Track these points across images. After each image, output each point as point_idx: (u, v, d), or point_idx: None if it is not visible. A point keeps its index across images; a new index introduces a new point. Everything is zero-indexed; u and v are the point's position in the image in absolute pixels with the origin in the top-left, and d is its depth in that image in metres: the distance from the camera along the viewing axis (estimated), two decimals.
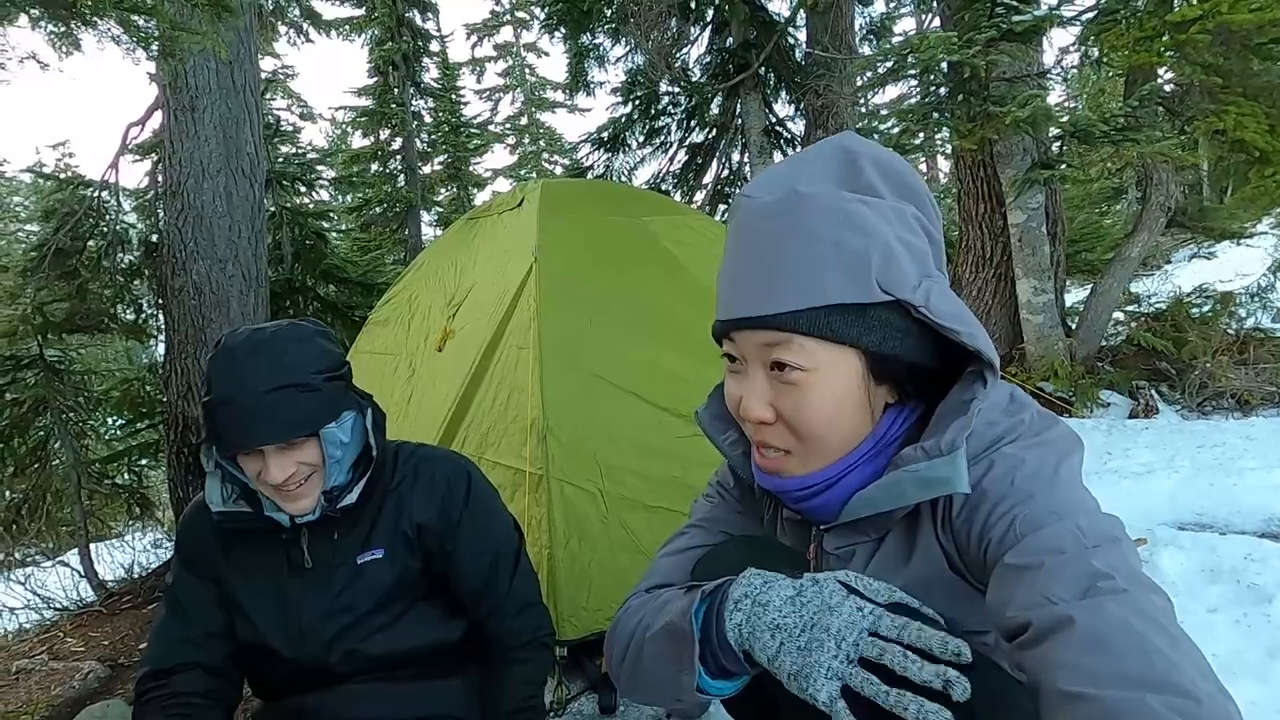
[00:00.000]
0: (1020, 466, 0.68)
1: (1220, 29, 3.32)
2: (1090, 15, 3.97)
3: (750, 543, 0.88)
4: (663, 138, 7.01)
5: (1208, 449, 3.05)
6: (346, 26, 9.83)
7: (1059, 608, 0.57)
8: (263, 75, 4.89)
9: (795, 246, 0.68)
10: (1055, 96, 5.39)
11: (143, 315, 4.15)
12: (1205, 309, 4.71)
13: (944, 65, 4.09)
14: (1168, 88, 4.00)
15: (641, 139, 6.97)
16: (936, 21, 5.12)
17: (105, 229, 3.83)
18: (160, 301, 3.83)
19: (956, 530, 0.70)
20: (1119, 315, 4.89)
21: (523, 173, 17.78)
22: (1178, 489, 2.54)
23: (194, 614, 1.18)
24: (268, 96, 7.47)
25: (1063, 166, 4.26)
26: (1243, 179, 3.85)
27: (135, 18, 1.71)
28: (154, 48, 1.86)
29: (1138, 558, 0.62)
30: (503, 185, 16.83)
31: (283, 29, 6.54)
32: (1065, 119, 4.09)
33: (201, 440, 1.13)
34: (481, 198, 12.89)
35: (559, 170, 17.09)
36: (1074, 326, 4.72)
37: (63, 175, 5.28)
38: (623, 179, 7.04)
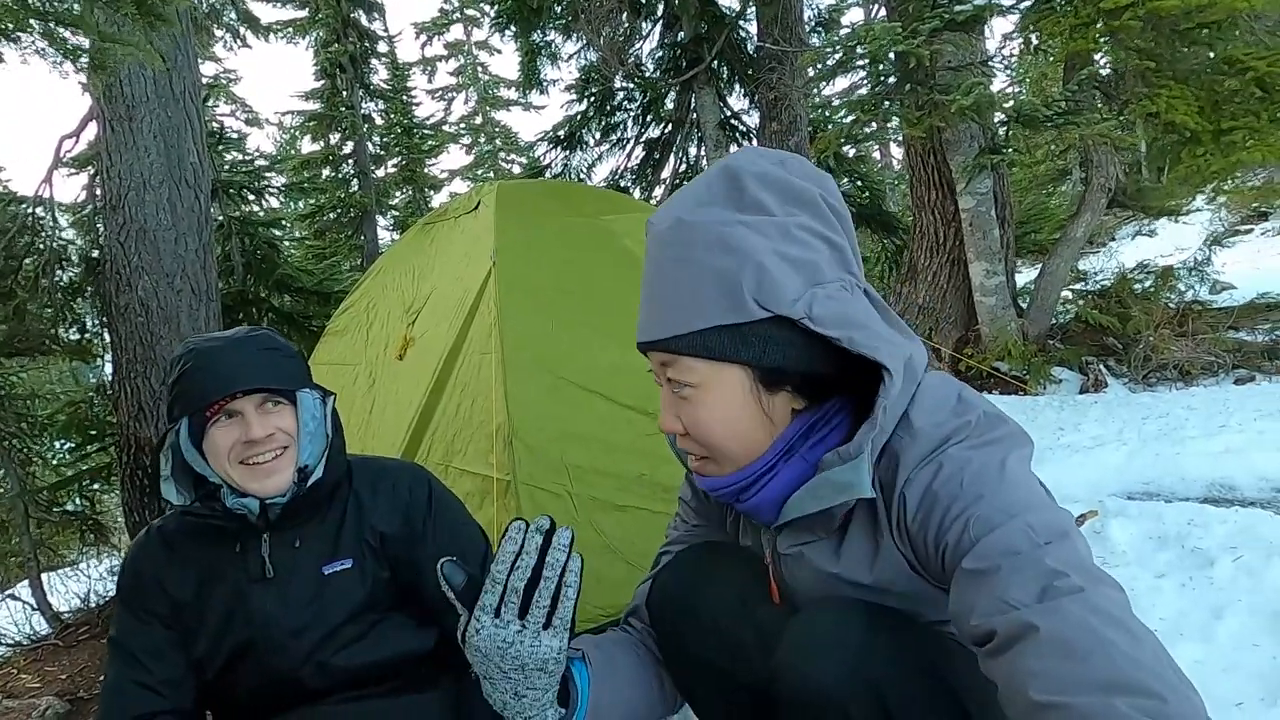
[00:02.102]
0: (967, 466, 0.69)
1: (1150, 15, 3.45)
2: (1028, 3, 4.08)
3: (696, 558, 0.93)
4: (619, 134, 7.01)
5: (1153, 420, 3.18)
6: (290, 30, 9.56)
7: (1020, 613, 0.58)
8: (204, 80, 4.74)
9: (676, 274, 0.74)
10: (999, 83, 5.54)
11: (86, 334, 4.00)
12: (1147, 284, 4.90)
13: (891, 55, 4.17)
14: (1104, 72, 4.14)
15: (598, 136, 6.97)
16: (883, 12, 5.20)
17: (42, 246, 3.66)
18: (105, 320, 3.69)
19: (913, 536, 0.71)
20: (1067, 293, 5.06)
21: (479, 172, 17.55)
22: (1126, 460, 2.64)
23: (149, 662, 1.13)
24: (210, 103, 7.24)
25: (1009, 151, 4.39)
26: (1176, 159, 4.00)
27: (61, 30, 1.63)
28: (83, 60, 1.77)
29: (1088, 548, 0.64)
30: (460, 186, 16.59)
31: (219, 33, 6.31)
32: (1009, 104, 4.21)
33: (160, 439, 1.11)
34: (438, 199, 12.71)
35: (516, 169, 16.92)
36: (1025, 306, 4.86)
37: None
38: (581, 176, 7.02)
